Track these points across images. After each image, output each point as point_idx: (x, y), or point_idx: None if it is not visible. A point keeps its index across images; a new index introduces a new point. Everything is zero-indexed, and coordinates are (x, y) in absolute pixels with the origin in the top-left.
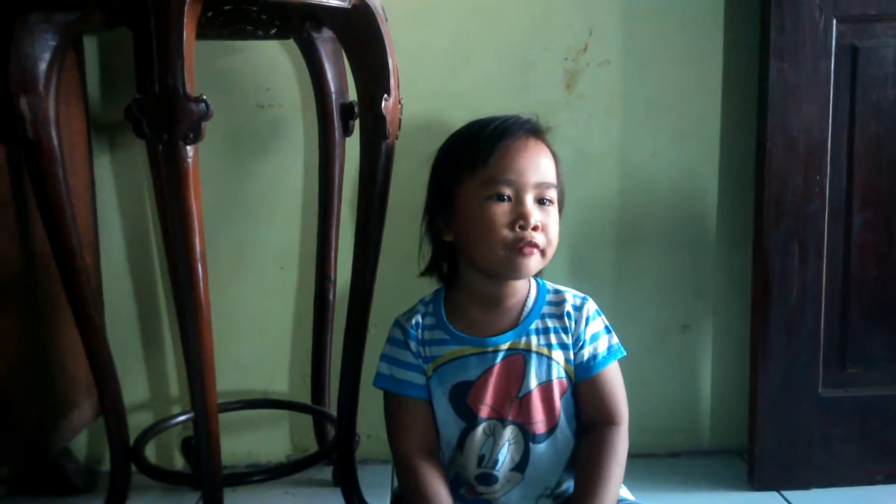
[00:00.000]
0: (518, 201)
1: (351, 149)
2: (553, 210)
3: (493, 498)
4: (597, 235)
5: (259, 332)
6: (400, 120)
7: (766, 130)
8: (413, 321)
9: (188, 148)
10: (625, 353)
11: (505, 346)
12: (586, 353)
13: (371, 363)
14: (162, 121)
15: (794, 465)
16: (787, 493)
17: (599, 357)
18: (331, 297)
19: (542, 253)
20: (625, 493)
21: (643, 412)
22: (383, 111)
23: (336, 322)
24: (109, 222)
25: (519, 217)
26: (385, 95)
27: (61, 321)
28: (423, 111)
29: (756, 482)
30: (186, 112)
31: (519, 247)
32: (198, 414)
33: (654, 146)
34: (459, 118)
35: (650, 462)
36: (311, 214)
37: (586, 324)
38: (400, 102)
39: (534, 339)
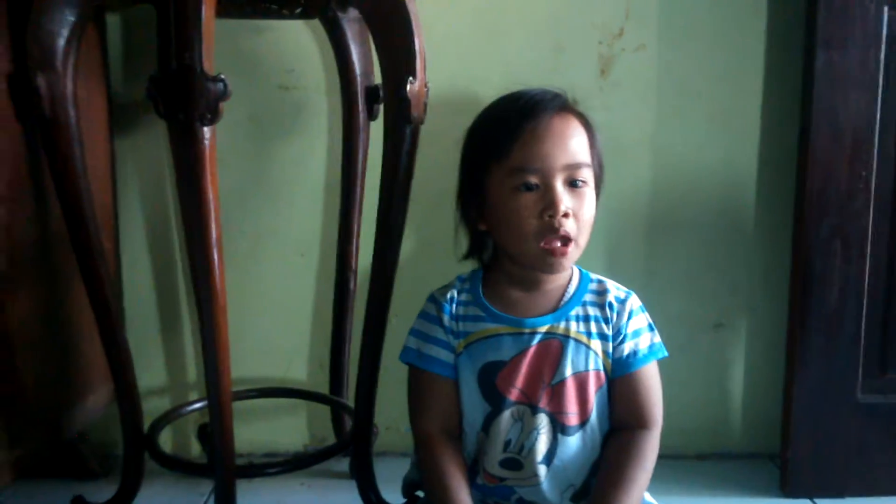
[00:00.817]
0: (547, 188)
1: (376, 133)
2: (587, 191)
3: (518, 485)
4: (628, 227)
5: (278, 318)
6: (425, 104)
7: (811, 122)
8: (448, 295)
9: (205, 129)
10: (667, 354)
11: (543, 329)
12: (627, 347)
13: (392, 354)
14: (178, 100)
15: (829, 473)
16: (820, 502)
17: (640, 354)
18: (351, 286)
19: (575, 243)
20: (647, 497)
21: (671, 411)
22: (408, 94)
23: (357, 311)
24: (130, 204)
25: (548, 206)
26: (411, 78)
27: (79, 304)
28: (449, 93)
29: (788, 489)
30: (203, 91)
31: (549, 240)
32: (212, 405)
33: (689, 135)
34: (487, 102)
35: (676, 464)
36: (334, 200)
37: (629, 318)
38: (426, 86)
39: (573, 325)
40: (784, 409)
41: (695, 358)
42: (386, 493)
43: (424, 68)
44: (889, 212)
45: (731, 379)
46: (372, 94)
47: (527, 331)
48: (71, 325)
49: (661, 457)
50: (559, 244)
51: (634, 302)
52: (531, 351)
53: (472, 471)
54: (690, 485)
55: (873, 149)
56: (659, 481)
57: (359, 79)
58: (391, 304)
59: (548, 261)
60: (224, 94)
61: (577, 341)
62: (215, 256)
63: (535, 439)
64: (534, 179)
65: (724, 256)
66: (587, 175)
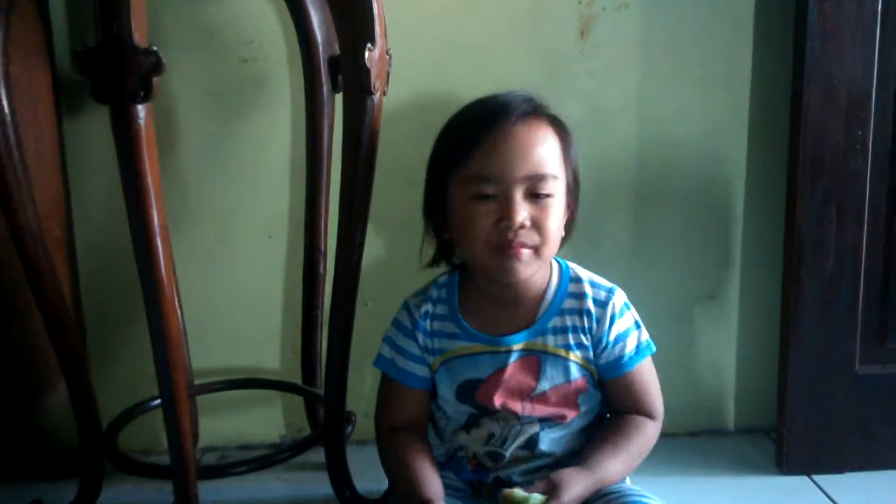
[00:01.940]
0: (505, 198)
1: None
2: (551, 202)
3: (497, 472)
4: (613, 198)
5: (248, 305)
6: (388, 73)
7: (803, 80)
8: (423, 310)
9: (139, 107)
10: (654, 350)
11: (519, 347)
12: (613, 353)
13: (367, 339)
14: (107, 76)
15: (827, 448)
16: (818, 478)
17: (626, 358)
18: (321, 269)
19: (537, 251)
20: (628, 481)
21: (663, 388)
22: (367, 63)
23: (328, 296)
24: (82, 190)
25: (504, 215)
26: (369, 45)
27: (31, 298)
28: (420, 63)
29: (785, 465)
30: (134, 66)
31: (504, 248)
32: (165, 404)
33: (676, 100)
34: (461, 71)
35: (669, 442)
36: (301, 178)
37: (611, 323)
38: (388, 53)
39: (550, 339)
40: (780, 383)
41: (686, 332)
42: (365, 482)
43: (385, 34)
44: (888, 173)
45: (724, 353)
46: (335, 65)
47: (503, 349)
48: (22, 320)
49: None
50: (517, 249)
51: (617, 301)
52: (509, 368)
53: (456, 456)
54: (684, 463)
55: (870, 107)
56: (650, 460)
57: (321, 48)
58: (366, 290)
59: (503, 265)
60: (158, 69)
61: (555, 356)
62: (158, 244)
63: (519, 433)
64: (491, 190)
65: (715, 226)
66: (554, 186)
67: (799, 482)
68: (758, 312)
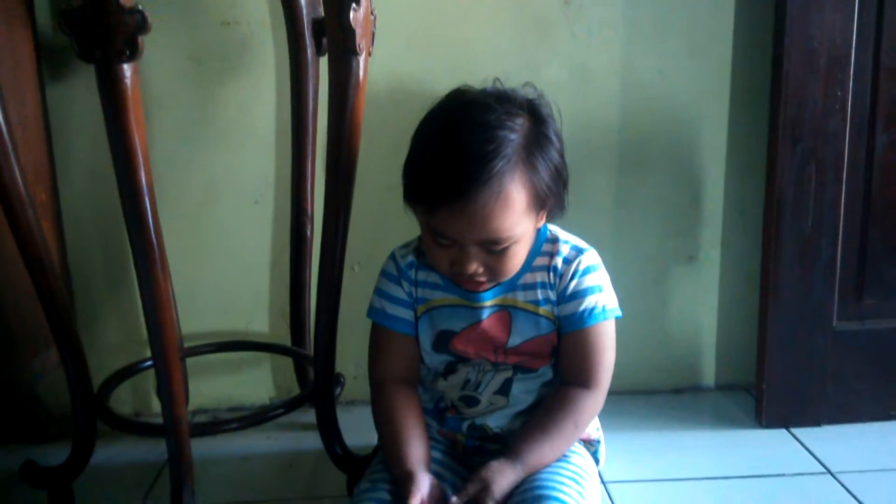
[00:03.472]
0: (460, 247)
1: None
2: (510, 249)
3: (473, 418)
4: (596, 161)
5: (236, 269)
6: (373, 33)
7: (784, 42)
8: (408, 260)
9: (124, 66)
10: (619, 315)
11: (490, 303)
12: (570, 307)
13: (357, 303)
14: (93, 36)
15: (805, 402)
16: (796, 431)
17: (578, 314)
18: (308, 232)
19: (492, 281)
20: (591, 430)
21: (645, 347)
22: (352, 23)
23: (315, 259)
24: (67, 153)
25: (457, 262)
26: (354, 5)
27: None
28: (405, 25)
29: (764, 419)
30: (120, 25)
31: (461, 282)
32: (157, 363)
33: (660, 63)
34: (446, 32)
35: (652, 399)
36: (287, 142)
37: (571, 278)
38: (373, 13)
39: (520, 294)
40: (759, 340)
41: (668, 292)
42: (355, 441)
43: None
44: (865, 134)
45: (705, 312)
46: (319, 27)
47: (476, 305)
48: (9, 282)
49: (636, 392)
50: (471, 283)
51: (586, 259)
52: (482, 323)
53: (438, 404)
54: (666, 419)
55: (849, 69)
56: (634, 417)
57: (304, 10)
58: (353, 254)
59: (464, 287)
60: (143, 27)
61: (525, 311)
62: (147, 205)
63: (493, 378)
64: (446, 242)
65: (697, 188)
66: (513, 238)
67: (777, 435)
68: (738, 272)
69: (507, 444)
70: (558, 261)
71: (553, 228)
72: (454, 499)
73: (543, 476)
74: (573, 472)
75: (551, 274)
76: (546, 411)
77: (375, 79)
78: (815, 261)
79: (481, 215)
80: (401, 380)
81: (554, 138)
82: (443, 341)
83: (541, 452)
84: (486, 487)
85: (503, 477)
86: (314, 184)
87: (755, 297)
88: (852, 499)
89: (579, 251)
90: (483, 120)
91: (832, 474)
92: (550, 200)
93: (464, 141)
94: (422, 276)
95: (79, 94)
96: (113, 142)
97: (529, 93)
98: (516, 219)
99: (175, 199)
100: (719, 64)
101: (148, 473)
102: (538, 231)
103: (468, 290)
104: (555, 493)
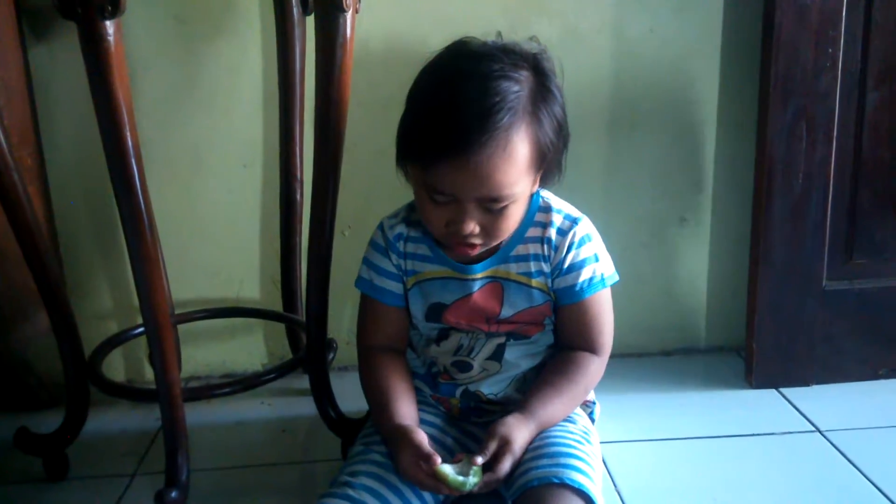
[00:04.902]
0: (457, 206)
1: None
2: (508, 209)
3: (466, 384)
4: (587, 121)
5: (226, 236)
6: None
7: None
8: (397, 231)
9: (107, 23)
10: (616, 281)
11: (482, 275)
12: (568, 280)
13: (348, 267)
14: None
15: (794, 362)
16: (785, 391)
17: (578, 286)
18: (297, 196)
19: (486, 243)
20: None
21: (636, 309)
22: None
23: (305, 224)
24: (52, 117)
25: (454, 220)
26: None
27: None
28: None
29: (754, 379)
30: None
31: (453, 244)
32: (148, 328)
33: (651, 21)
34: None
35: (642, 361)
36: (274, 104)
37: (568, 250)
38: None
39: (513, 266)
40: (749, 300)
41: (659, 254)
42: (348, 406)
43: None
44: (856, 92)
45: (695, 274)
46: None
47: (468, 276)
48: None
49: (627, 355)
50: (464, 247)
51: (580, 231)
52: (475, 295)
53: (429, 369)
54: (656, 380)
55: (841, 26)
56: (625, 379)
57: None
58: (343, 219)
59: (455, 251)
60: None
61: (518, 283)
62: (133, 165)
63: (485, 344)
64: (443, 199)
65: (688, 149)
66: (512, 197)
67: (767, 395)
68: (729, 234)
69: (517, 402)
70: (552, 232)
71: (546, 195)
72: (479, 458)
73: (555, 434)
74: (581, 431)
75: (545, 246)
76: (556, 372)
77: (364, 38)
78: (805, 220)
79: (485, 169)
80: (389, 347)
81: (557, 93)
82: (435, 313)
83: (553, 410)
84: (506, 444)
85: (520, 433)
86: (303, 147)
87: (746, 259)
88: (840, 456)
89: (574, 221)
90: (489, 70)
91: (821, 432)
92: (550, 156)
93: (469, 92)
94: (411, 247)
95: (62, 55)
96: (97, 101)
97: (533, 47)
98: (518, 174)
99: (162, 163)
100: (710, 21)
101: (142, 440)
102: (531, 198)
103: (459, 257)
104: (572, 451)
